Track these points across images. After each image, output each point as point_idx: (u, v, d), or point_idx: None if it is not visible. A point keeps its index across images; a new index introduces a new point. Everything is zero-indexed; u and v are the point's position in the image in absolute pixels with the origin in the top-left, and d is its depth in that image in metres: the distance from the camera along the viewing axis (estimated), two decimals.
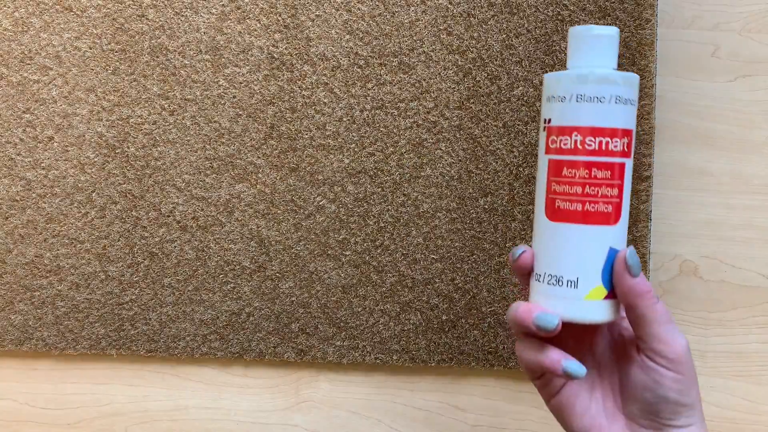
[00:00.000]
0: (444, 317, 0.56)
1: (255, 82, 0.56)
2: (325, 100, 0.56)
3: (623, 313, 0.35)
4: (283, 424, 0.57)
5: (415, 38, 0.56)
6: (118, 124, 0.56)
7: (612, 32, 0.31)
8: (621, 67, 0.55)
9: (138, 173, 0.56)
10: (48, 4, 0.56)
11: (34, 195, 0.56)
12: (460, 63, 0.56)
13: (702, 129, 0.58)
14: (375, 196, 0.56)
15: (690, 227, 0.57)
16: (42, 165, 0.56)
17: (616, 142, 0.29)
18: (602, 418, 0.36)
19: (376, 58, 0.56)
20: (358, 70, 0.56)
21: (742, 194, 0.57)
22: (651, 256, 0.57)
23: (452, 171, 0.56)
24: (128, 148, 0.56)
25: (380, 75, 0.56)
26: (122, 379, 0.58)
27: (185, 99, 0.56)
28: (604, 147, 0.29)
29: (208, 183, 0.56)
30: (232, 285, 0.56)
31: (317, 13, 0.56)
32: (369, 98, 0.56)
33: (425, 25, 0.56)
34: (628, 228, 0.56)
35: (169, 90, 0.56)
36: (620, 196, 0.31)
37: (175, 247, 0.56)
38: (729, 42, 0.58)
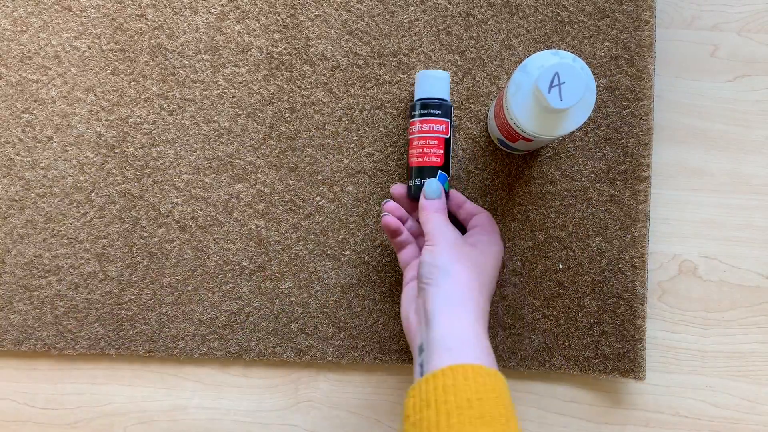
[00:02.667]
0: None
1: (254, 82, 0.56)
2: (325, 100, 0.56)
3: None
4: (283, 424, 0.57)
5: (414, 38, 0.56)
6: (117, 124, 0.56)
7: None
8: (619, 68, 0.55)
9: (137, 173, 0.56)
10: (47, 3, 0.56)
11: (33, 195, 0.56)
12: (459, 63, 0.56)
13: (701, 129, 0.58)
14: (374, 196, 0.56)
15: (689, 227, 0.57)
16: (41, 165, 0.56)
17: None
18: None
19: (375, 58, 0.56)
20: (358, 69, 0.56)
21: (741, 194, 0.57)
22: (650, 256, 0.57)
23: (452, 171, 0.56)
24: (127, 147, 0.56)
25: (379, 75, 0.56)
26: (121, 379, 0.58)
27: (184, 99, 0.56)
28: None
29: (207, 183, 0.56)
30: (231, 285, 0.56)
31: (316, 13, 0.56)
32: (368, 98, 0.56)
33: (424, 25, 0.56)
34: (627, 229, 0.56)
35: (168, 90, 0.56)
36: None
37: (174, 247, 0.56)
38: (728, 42, 0.58)
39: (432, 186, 0.50)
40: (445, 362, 0.40)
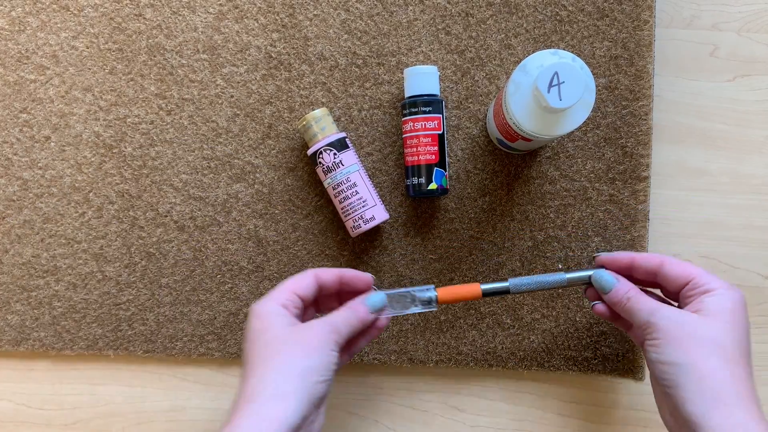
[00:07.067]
0: (442, 317, 0.56)
1: (253, 82, 0.56)
2: (323, 100, 0.56)
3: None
4: None
5: (413, 38, 0.56)
6: (116, 124, 0.56)
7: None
8: (618, 67, 0.55)
9: (135, 173, 0.56)
10: (45, 3, 0.56)
11: (31, 195, 0.56)
12: (458, 62, 0.56)
13: (701, 129, 0.58)
14: None
15: (688, 227, 0.57)
16: (39, 165, 0.56)
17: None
18: None
19: (374, 58, 0.56)
20: (356, 69, 0.56)
21: (741, 194, 0.57)
22: None
23: (451, 171, 0.56)
24: (125, 147, 0.56)
25: (378, 74, 0.56)
26: (119, 380, 0.58)
27: (183, 98, 0.56)
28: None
29: (205, 183, 0.56)
30: (229, 285, 0.56)
31: (315, 12, 0.56)
32: (367, 98, 0.56)
33: (423, 25, 0.56)
34: (627, 229, 0.56)
35: (167, 89, 0.56)
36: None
37: (173, 247, 0.56)
38: (727, 42, 0.58)
39: (603, 278, 0.46)
40: None
